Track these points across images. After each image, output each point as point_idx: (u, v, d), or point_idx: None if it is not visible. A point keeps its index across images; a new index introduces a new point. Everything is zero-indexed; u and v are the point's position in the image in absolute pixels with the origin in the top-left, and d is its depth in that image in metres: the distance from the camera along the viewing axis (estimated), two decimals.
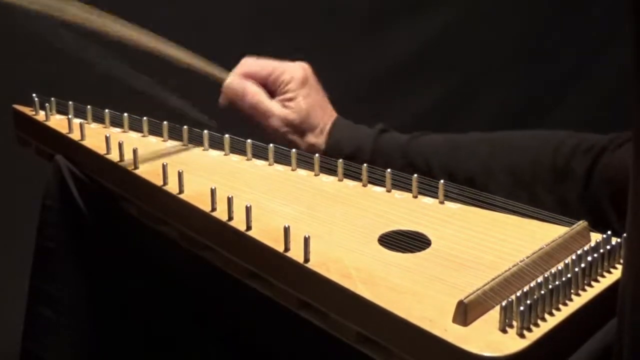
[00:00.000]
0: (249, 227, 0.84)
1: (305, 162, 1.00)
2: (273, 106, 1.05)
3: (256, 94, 1.04)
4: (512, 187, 0.98)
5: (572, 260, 0.75)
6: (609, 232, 0.79)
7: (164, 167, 0.92)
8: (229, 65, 1.65)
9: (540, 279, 0.72)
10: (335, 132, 1.07)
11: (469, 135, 1.10)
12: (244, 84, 1.05)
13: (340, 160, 0.98)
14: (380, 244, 0.82)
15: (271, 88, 1.07)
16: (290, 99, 1.06)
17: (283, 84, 1.06)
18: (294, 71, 1.08)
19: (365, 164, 0.96)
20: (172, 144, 1.05)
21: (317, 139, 1.06)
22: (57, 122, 1.07)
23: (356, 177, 0.97)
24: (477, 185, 0.95)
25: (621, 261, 0.78)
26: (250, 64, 1.08)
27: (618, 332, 0.63)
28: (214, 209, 0.87)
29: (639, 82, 0.59)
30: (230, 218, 0.85)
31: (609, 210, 0.95)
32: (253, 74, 1.07)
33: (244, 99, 1.04)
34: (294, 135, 1.05)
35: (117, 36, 0.96)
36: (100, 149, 0.99)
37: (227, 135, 1.03)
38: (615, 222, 0.93)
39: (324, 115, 1.08)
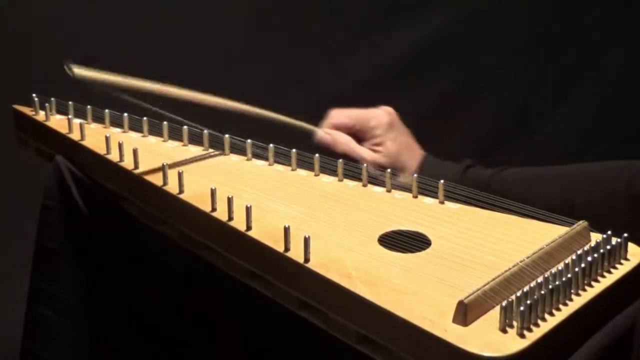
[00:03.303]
0: (249, 227, 0.84)
1: (305, 162, 1.00)
2: (363, 152, 1.09)
3: (345, 144, 1.08)
4: (590, 219, 0.99)
5: (572, 260, 0.75)
6: (609, 232, 0.79)
7: (164, 167, 0.92)
8: (229, 64, 1.66)
9: (540, 279, 0.72)
10: (423, 170, 1.10)
11: (546, 169, 1.11)
12: (334, 136, 1.09)
13: (340, 160, 0.98)
14: (380, 244, 0.82)
15: (360, 135, 1.10)
16: (378, 144, 1.09)
17: (371, 130, 1.09)
18: (380, 116, 1.11)
19: (365, 164, 0.96)
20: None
21: (408, 178, 1.08)
22: (57, 122, 1.07)
23: (356, 177, 0.97)
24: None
25: (622, 261, 0.78)
26: (337, 115, 1.11)
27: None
28: (214, 209, 0.87)
29: None
30: (230, 218, 0.85)
31: None
32: (341, 124, 1.10)
33: (336, 149, 1.07)
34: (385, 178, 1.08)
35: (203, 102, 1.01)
36: (100, 149, 0.99)
37: (227, 135, 1.03)
38: None
39: (413, 156, 1.11)
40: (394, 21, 1.89)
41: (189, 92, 1.00)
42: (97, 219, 0.99)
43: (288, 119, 1.08)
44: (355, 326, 0.74)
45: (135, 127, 1.08)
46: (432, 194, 0.92)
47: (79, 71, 0.91)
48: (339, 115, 1.11)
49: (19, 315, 1.03)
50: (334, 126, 1.10)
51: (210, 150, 1.04)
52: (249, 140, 1.02)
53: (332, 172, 0.98)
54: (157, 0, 1.62)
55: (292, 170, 1.00)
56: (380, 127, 1.10)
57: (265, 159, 1.02)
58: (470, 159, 1.14)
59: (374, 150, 1.09)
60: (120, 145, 0.97)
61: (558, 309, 0.71)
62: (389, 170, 0.95)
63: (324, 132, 1.10)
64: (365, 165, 0.96)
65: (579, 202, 1.03)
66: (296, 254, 0.79)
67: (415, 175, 0.94)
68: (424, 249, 0.81)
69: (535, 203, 0.95)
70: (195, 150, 1.04)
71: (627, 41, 2.14)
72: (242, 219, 0.84)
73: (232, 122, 1.06)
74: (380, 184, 0.95)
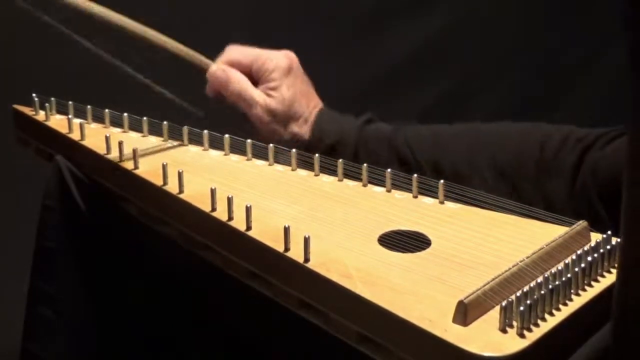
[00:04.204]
0: (249, 227, 0.84)
1: (305, 162, 1.00)
2: (256, 94, 1.04)
3: (239, 82, 1.03)
4: (495, 181, 0.96)
5: (572, 260, 0.75)
6: (609, 232, 0.79)
7: (164, 167, 0.92)
8: None
9: (540, 279, 0.72)
10: (319, 122, 1.05)
11: (454, 127, 1.08)
12: (228, 72, 1.04)
13: (340, 160, 0.97)
14: (380, 244, 0.82)
15: (255, 76, 1.05)
16: (273, 88, 1.05)
17: (267, 72, 1.05)
18: (278, 60, 1.07)
19: (365, 164, 0.95)
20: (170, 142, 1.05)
21: (301, 128, 1.05)
22: (57, 122, 1.07)
23: (356, 177, 0.97)
24: (463, 179, 0.94)
25: None
26: (234, 51, 1.07)
27: (613, 335, 0.63)
28: (214, 209, 0.87)
29: (635, 85, 0.59)
30: (230, 218, 0.85)
31: (598, 207, 0.94)
32: (237, 61, 1.06)
33: (228, 86, 1.03)
34: (277, 124, 1.04)
35: (104, 19, 0.97)
36: (100, 149, 0.99)
37: (227, 135, 1.03)
38: (607, 220, 0.91)
39: (309, 105, 1.06)
40: (393, 21, 1.89)
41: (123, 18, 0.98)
42: (97, 219, 0.99)
43: (184, 49, 1.03)
44: (356, 326, 0.74)
45: (135, 127, 1.08)
46: (432, 194, 0.92)
47: None
48: (236, 51, 1.06)
49: (19, 315, 1.03)
50: (229, 62, 1.05)
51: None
52: (249, 140, 1.02)
53: (332, 172, 0.98)
54: (157, 1, 1.62)
55: (292, 170, 1.00)
56: (277, 71, 1.05)
57: (266, 159, 1.02)
58: (371, 113, 1.10)
59: (268, 94, 1.05)
60: (120, 145, 0.97)
61: (558, 309, 0.71)
62: (389, 170, 0.94)
63: (219, 68, 1.04)
64: (365, 165, 0.96)
65: (484, 160, 0.99)
66: (296, 254, 0.79)
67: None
68: (424, 249, 0.81)
69: (441, 161, 0.93)
70: (194, 149, 1.04)
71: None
72: (242, 218, 0.84)
73: (231, 122, 1.05)
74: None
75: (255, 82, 1.06)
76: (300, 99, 1.05)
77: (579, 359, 0.71)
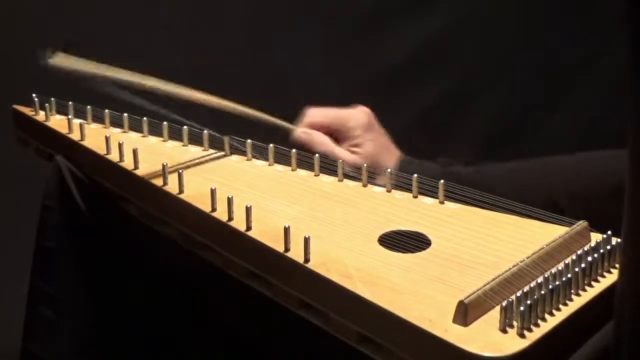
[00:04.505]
0: (249, 227, 0.84)
1: (305, 162, 1.00)
2: (342, 153, 1.07)
3: (323, 144, 1.07)
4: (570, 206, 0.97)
5: (572, 260, 0.75)
6: (609, 232, 0.79)
7: (164, 167, 0.92)
8: (229, 64, 1.66)
9: (540, 279, 0.72)
10: (402, 171, 1.09)
11: (530, 162, 1.10)
12: (311, 136, 1.07)
13: (340, 160, 0.98)
14: (380, 244, 0.82)
15: (337, 135, 1.09)
16: (357, 145, 1.08)
17: (349, 131, 1.08)
18: (358, 117, 1.10)
19: (366, 165, 0.96)
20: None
21: (387, 180, 1.08)
22: (57, 122, 1.07)
23: (356, 177, 0.97)
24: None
25: None
26: (314, 113, 1.10)
27: (615, 333, 0.63)
28: (214, 209, 0.87)
29: (635, 85, 0.59)
30: (230, 218, 0.85)
31: None
32: (318, 123, 1.09)
33: (312, 149, 1.06)
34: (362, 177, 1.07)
35: (182, 96, 1.00)
36: (100, 149, 0.99)
37: (227, 136, 1.03)
38: None
39: (390, 157, 1.10)
40: (393, 21, 1.89)
41: (171, 85, 0.99)
42: (97, 219, 1.00)
43: (265, 115, 1.06)
44: (356, 326, 0.74)
45: (135, 127, 1.08)
46: (432, 194, 0.92)
47: (55, 60, 0.91)
48: (316, 114, 1.09)
49: (19, 315, 1.03)
50: (311, 125, 1.08)
51: (212, 151, 1.04)
52: (249, 140, 1.02)
53: (332, 172, 0.98)
54: (157, 1, 1.62)
55: (292, 170, 1.00)
56: (358, 128, 1.08)
57: (265, 159, 1.02)
58: (445, 156, 1.11)
59: (352, 152, 1.08)
60: (120, 145, 0.97)
61: (558, 309, 0.71)
62: (389, 170, 0.95)
63: (302, 132, 1.08)
64: (365, 165, 0.96)
65: (564, 194, 1.01)
66: (296, 254, 0.79)
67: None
68: (424, 249, 0.81)
69: (519, 200, 0.94)
70: (195, 150, 1.05)
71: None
72: (242, 219, 0.84)
73: (231, 122, 1.05)
74: (357, 179, 0.94)
75: (338, 140, 1.08)
76: (382, 152, 1.09)
77: (579, 359, 0.71)
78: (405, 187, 0.93)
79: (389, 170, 0.94)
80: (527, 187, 1.05)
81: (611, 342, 0.64)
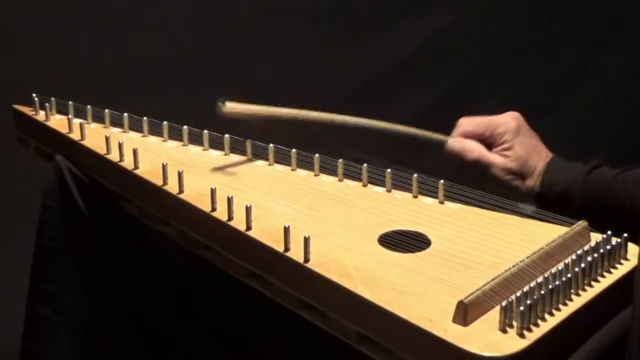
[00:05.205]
0: (249, 227, 0.84)
1: (305, 162, 1.00)
2: (493, 158, 1.11)
3: (475, 151, 1.10)
4: None
5: (572, 260, 0.75)
6: (609, 232, 0.79)
7: (164, 167, 0.92)
8: (229, 65, 1.66)
9: (540, 279, 0.72)
10: (549, 171, 1.11)
11: None
12: (463, 144, 1.11)
13: (340, 160, 0.98)
14: (380, 244, 0.82)
15: (489, 141, 1.12)
16: (507, 149, 1.11)
17: (499, 136, 1.11)
18: (508, 122, 1.13)
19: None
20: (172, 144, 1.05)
21: (535, 180, 1.11)
22: (57, 122, 1.07)
23: (356, 177, 0.97)
24: None
25: (622, 261, 0.78)
26: (466, 123, 1.14)
27: (633, 320, 0.63)
28: (214, 209, 0.87)
29: None
30: (230, 218, 0.85)
31: None
32: (470, 132, 1.13)
33: (466, 156, 1.10)
34: (517, 180, 1.11)
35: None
36: (100, 149, 0.99)
37: (227, 136, 1.03)
38: None
39: (540, 158, 1.13)
40: (393, 21, 1.89)
41: (332, 115, 1.03)
42: (97, 219, 1.00)
43: (418, 130, 1.11)
44: (355, 326, 0.74)
45: (135, 127, 1.08)
46: (432, 194, 0.92)
47: (230, 107, 0.97)
48: (469, 123, 1.13)
49: (19, 315, 1.03)
50: (464, 134, 1.12)
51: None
52: (249, 140, 1.02)
53: (332, 172, 0.98)
54: (157, 1, 1.62)
55: (292, 170, 1.00)
56: (508, 133, 1.11)
57: (265, 159, 1.02)
58: (599, 159, 1.14)
59: (503, 155, 1.11)
60: (120, 145, 0.97)
61: (558, 309, 0.71)
62: (389, 170, 0.94)
63: (454, 141, 1.12)
64: (365, 165, 0.96)
65: None
66: (296, 253, 0.79)
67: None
68: (424, 249, 0.81)
69: None
70: (195, 150, 1.05)
71: (627, 41, 2.14)
72: (242, 218, 0.84)
73: (230, 122, 1.05)
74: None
75: (489, 146, 1.12)
76: (532, 154, 1.12)
77: (579, 359, 0.71)
78: (429, 190, 0.94)
79: (388, 170, 0.94)
80: None
81: (632, 326, 0.64)
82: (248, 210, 0.83)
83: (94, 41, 1.54)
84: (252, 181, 0.96)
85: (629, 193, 1.03)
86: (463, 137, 1.12)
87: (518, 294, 0.70)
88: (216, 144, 1.04)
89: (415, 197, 0.93)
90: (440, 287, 0.74)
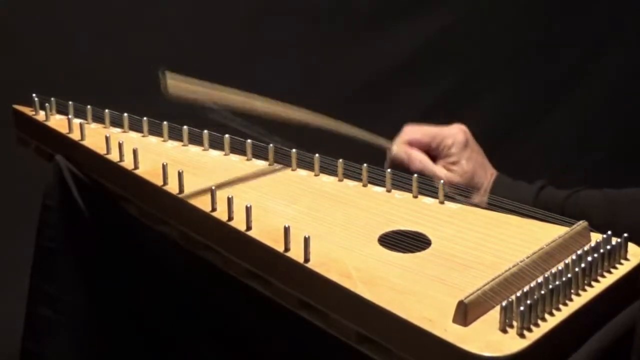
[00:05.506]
0: (249, 227, 0.84)
1: (305, 162, 1.00)
2: (439, 171, 1.09)
3: (421, 161, 1.09)
4: None
5: (572, 260, 0.75)
6: (609, 232, 0.79)
7: (164, 167, 0.92)
8: (229, 65, 1.66)
9: (540, 279, 0.72)
10: (496, 190, 1.10)
11: (626, 191, 1.09)
12: (409, 152, 1.09)
13: (340, 160, 0.98)
14: (381, 244, 0.82)
15: (434, 153, 1.11)
16: (454, 162, 1.10)
17: (446, 148, 1.10)
18: (455, 135, 1.11)
19: (365, 165, 0.96)
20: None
21: (482, 198, 1.09)
22: (57, 122, 1.07)
23: (356, 177, 0.97)
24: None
25: (622, 261, 0.78)
26: (412, 131, 1.12)
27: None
28: (214, 209, 0.87)
29: None
30: (230, 218, 0.85)
31: None
32: (416, 140, 1.11)
33: (410, 166, 1.08)
34: (460, 196, 1.09)
35: (280, 116, 1.00)
36: (100, 149, 0.99)
37: (227, 136, 1.03)
38: None
39: (486, 175, 1.12)
40: (393, 21, 1.89)
41: (280, 106, 0.99)
42: (97, 219, 1.00)
43: (362, 132, 1.08)
44: (355, 326, 0.74)
45: (135, 127, 1.08)
46: (432, 194, 0.92)
47: (173, 83, 0.90)
48: (414, 132, 1.12)
49: (19, 315, 1.03)
50: (409, 142, 1.11)
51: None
52: (249, 140, 1.02)
53: (332, 172, 0.98)
54: (157, 1, 1.62)
55: (292, 170, 1.00)
56: (455, 146, 1.10)
57: (265, 159, 1.02)
58: (543, 179, 1.13)
59: (449, 169, 1.09)
60: (120, 145, 0.97)
61: (558, 309, 0.71)
62: (389, 170, 0.94)
63: (401, 150, 1.10)
64: (365, 165, 0.96)
65: None
66: (296, 254, 0.79)
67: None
68: (424, 249, 0.81)
69: (615, 222, 0.95)
70: (195, 150, 1.05)
71: (627, 41, 2.14)
72: (242, 218, 0.84)
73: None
74: (456, 200, 0.95)
75: (434, 158, 1.11)
76: (478, 170, 1.11)
77: (579, 359, 0.71)
78: (429, 190, 0.93)
79: (388, 170, 0.94)
80: (629, 222, 1.04)
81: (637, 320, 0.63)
82: (248, 210, 0.83)
83: (94, 41, 1.54)
84: (252, 181, 0.96)
85: (585, 215, 1.02)
86: (407, 145, 1.10)
87: (518, 294, 0.70)
88: (216, 144, 1.04)
89: (415, 197, 0.93)
90: (441, 287, 0.74)
